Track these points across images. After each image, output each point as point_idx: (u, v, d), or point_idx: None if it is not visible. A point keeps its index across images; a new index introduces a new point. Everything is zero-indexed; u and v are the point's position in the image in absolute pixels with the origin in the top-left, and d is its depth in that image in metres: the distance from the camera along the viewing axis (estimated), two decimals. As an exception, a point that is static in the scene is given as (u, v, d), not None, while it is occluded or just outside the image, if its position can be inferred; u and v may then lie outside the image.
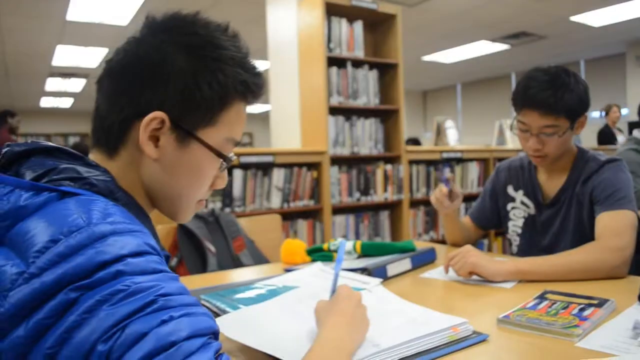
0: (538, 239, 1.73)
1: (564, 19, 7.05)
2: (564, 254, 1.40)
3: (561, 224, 1.67)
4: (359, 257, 1.58)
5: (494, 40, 8.08)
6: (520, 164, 1.82)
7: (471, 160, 4.45)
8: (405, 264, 1.48)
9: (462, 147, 4.45)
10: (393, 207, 4.05)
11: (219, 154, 0.82)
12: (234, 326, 0.92)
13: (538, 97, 1.53)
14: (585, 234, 1.58)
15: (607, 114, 7.00)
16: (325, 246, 1.62)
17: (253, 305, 1.03)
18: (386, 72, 4.02)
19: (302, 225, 3.52)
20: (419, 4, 6.13)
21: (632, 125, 7.90)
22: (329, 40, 3.68)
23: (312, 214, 3.61)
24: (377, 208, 3.97)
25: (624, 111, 8.84)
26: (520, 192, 1.79)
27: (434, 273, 1.47)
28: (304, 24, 3.79)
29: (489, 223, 1.92)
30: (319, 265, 1.43)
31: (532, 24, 7.28)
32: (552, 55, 9.21)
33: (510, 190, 1.82)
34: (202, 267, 2.05)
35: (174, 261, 2.02)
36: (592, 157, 1.65)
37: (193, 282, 1.50)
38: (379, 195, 3.89)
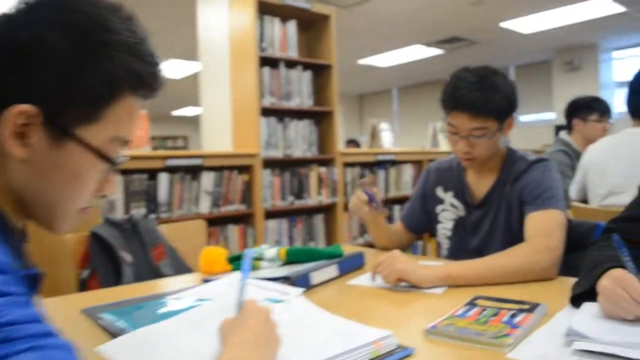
0: (467, 241, 1.69)
1: (494, 25, 7.22)
2: (494, 257, 1.35)
3: (491, 225, 1.63)
4: (284, 264, 1.48)
5: (428, 44, 8.20)
6: (449, 165, 1.78)
7: (405, 162, 4.44)
8: (332, 270, 1.39)
9: (397, 150, 4.44)
10: (327, 211, 3.97)
11: (102, 156, 0.70)
12: (126, 351, 0.80)
13: (467, 98, 1.48)
14: (515, 235, 1.54)
15: None
16: (247, 253, 1.51)
17: (153, 324, 0.91)
18: (320, 73, 3.94)
19: (233, 230, 3.39)
20: (353, 6, 6.11)
21: (559, 129, 8.20)
22: (262, 40, 3.57)
23: (244, 219, 3.48)
24: (311, 212, 3.88)
25: (552, 115, 9.18)
26: (450, 194, 1.74)
27: (362, 279, 1.38)
28: (235, 23, 3.66)
29: (421, 226, 1.86)
30: (238, 274, 1.31)
31: (464, 29, 7.42)
32: (484, 60, 9.29)
33: (439, 192, 1.77)
34: (116, 279, 1.89)
35: (85, 273, 1.85)
36: (521, 157, 1.63)
37: (99, 296, 1.36)
38: (313, 198, 3.81)
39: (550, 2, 6.30)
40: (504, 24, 7.18)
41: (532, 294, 1.18)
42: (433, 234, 1.83)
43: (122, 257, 1.92)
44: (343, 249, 1.55)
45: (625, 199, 2.16)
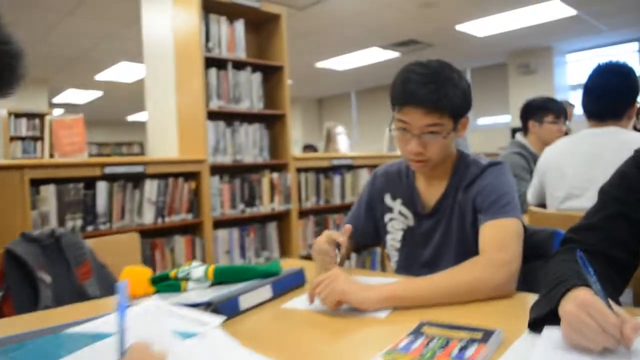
0: (418, 254, 1.55)
1: (450, 28, 7.20)
2: (445, 274, 1.21)
3: (443, 235, 1.50)
4: (212, 284, 1.31)
5: (384, 47, 8.14)
6: (398, 169, 1.63)
7: (362, 167, 4.32)
8: (265, 291, 1.23)
9: (353, 154, 4.31)
10: (281, 218, 3.81)
11: None
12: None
13: (420, 91, 1.34)
14: (469, 246, 1.42)
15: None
16: (173, 273, 1.34)
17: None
18: (271, 75, 3.78)
19: (180, 241, 3.19)
20: (308, 7, 5.98)
21: (516, 131, 8.26)
22: (207, 39, 3.39)
23: (191, 229, 3.29)
24: (263, 220, 3.72)
25: (508, 118, 9.25)
26: (399, 201, 1.59)
27: (299, 302, 1.22)
28: (179, 22, 3.48)
29: (365, 237, 1.68)
30: (155, 300, 1.14)
31: (420, 31, 7.38)
32: (440, 63, 9.42)
33: (387, 199, 1.63)
34: (33, 302, 1.68)
35: (-5, 297, 1.64)
36: (473, 161, 1.50)
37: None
38: (266, 205, 3.64)
39: (503, 5, 6.31)
40: (459, 27, 7.17)
41: (486, 316, 1.05)
42: (380, 245, 1.69)
43: (40, 278, 1.71)
44: (283, 265, 1.39)
45: (584, 202, 2.10)
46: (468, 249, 1.41)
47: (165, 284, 1.33)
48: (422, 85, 1.34)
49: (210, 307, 1.06)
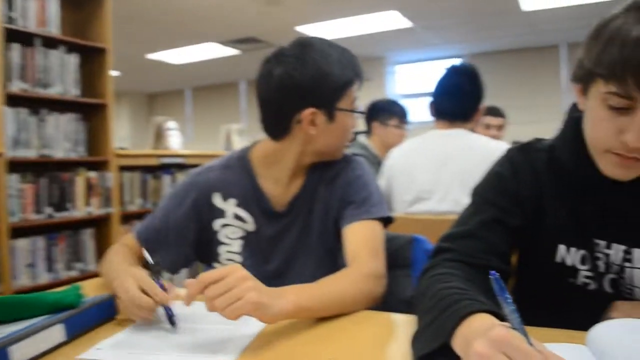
0: (263, 264, 1.29)
1: (290, 29, 7.10)
2: (330, 283, 1.03)
3: (298, 237, 1.28)
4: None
5: (224, 43, 7.80)
6: (227, 165, 1.34)
7: (195, 166, 3.95)
8: (54, 333, 0.86)
9: (185, 152, 3.93)
10: (99, 224, 3.31)
11: None
12: None
13: None
14: (329, 250, 1.27)
15: None
16: None
17: None
18: (91, 58, 3.27)
19: (-37, 254, 2.57)
20: (139, -10, 5.45)
21: (357, 134, 8.42)
22: (10, 7, 2.80)
23: (-21, 238, 2.68)
24: (77, 226, 3.19)
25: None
26: (232, 202, 1.30)
27: (108, 347, 0.87)
28: (-29, -17, 2.83)
29: (179, 258, 1.30)
30: None
31: (261, 30, 7.18)
32: (279, 65, 9.34)
33: (217, 200, 1.31)
34: None
35: None
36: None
37: None
38: (80, 209, 3.13)
39: (344, 11, 6.35)
40: (299, 28, 7.10)
41: (342, 346, 0.81)
42: (204, 260, 1.37)
43: None
44: (89, 288, 1.02)
45: (433, 205, 2.05)
46: (327, 254, 1.27)
47: None
48: None
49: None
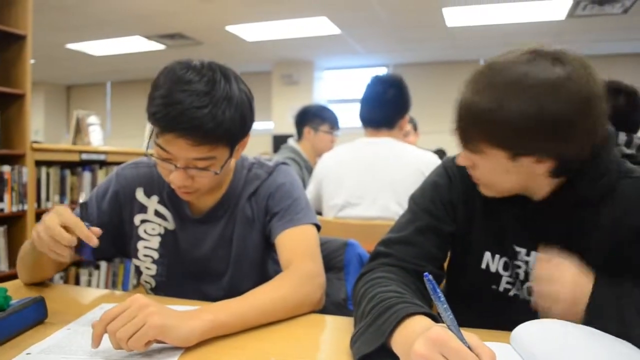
0: (184, 264, 1.28)
1: (220, 27, 7.00)
2: (257, 293, 1.01)
3: (218, 242, 1.26)
4: None
5: (149, 37, 7.55)
6: (155, 162, 1.32)
7: (117, 163, 3.81)
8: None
9: (107, 149, 3.78)
10: (12, 222, 3.13)
11: None
12: None
13: (192, 119, 1.01)
14: (258, 253, 1.27)
15: None
16: None
17: None
18: (7, 45, 3.09)
19: None
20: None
21: (277, 139, 8.45)
22: None
23: None
24: (-13, 223, 2.99)
25: (271, 125, 9.41)
26: (154, 199, 1.29)
27: (37, 352, 0.82)
28: None
29: (106, 249, 1.26)
30: None
31: (189, 26, 7.02)
32: (206, 63, 9.18)
33: (140, 195, 1.30)
34: None
35: None
36: (258, 163, 1.32)
37: None
38: (-9, 206, 2.93)
39: (274, 13, 6.34)
40: (229, 28, 7.01)
41: (278, 347, 0.82)
42: (126, 255, 1.35)
43: None
44: (10, 293, 0.96)
45: (361, 210, 2.11)
46: (252, 260, 1.27)
47: None
48: (194, 109, 1.01)
49: None
